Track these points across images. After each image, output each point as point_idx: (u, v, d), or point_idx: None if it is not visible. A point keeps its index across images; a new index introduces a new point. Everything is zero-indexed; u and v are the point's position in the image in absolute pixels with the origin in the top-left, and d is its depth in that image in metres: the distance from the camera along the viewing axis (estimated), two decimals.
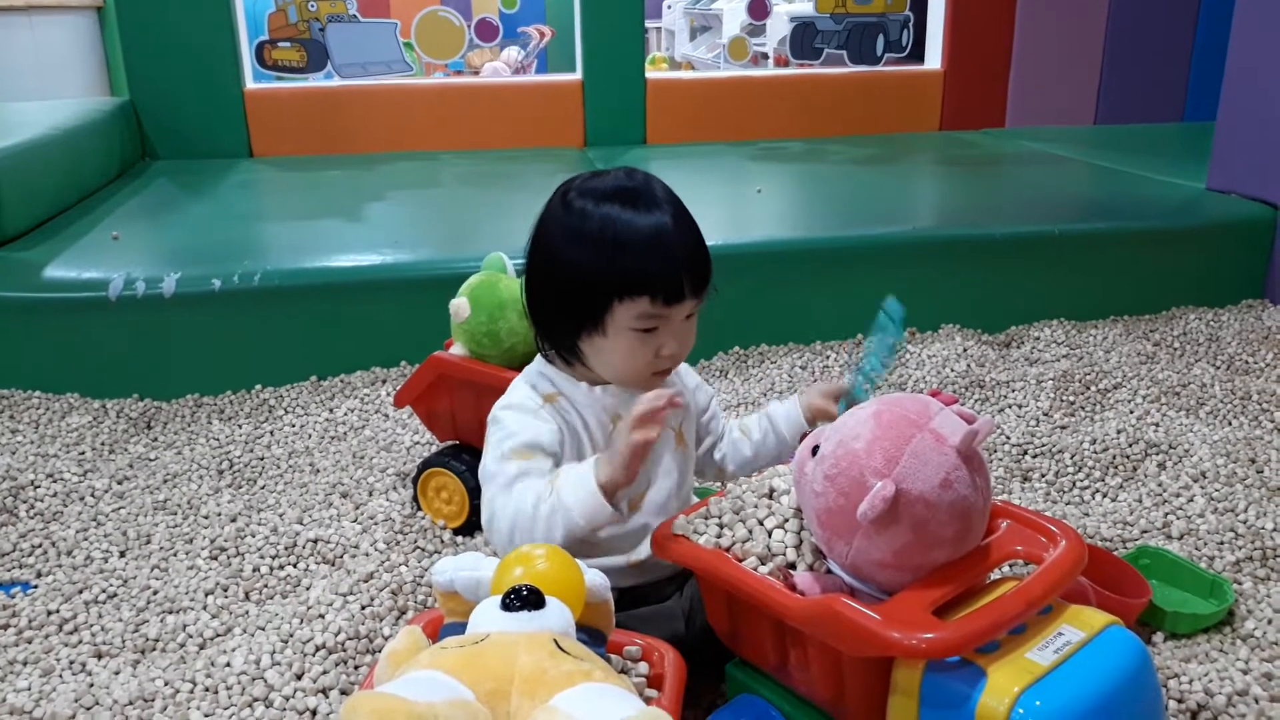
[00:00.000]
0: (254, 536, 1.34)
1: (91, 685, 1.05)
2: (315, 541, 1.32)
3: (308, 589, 1.23)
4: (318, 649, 1.08)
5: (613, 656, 0.82)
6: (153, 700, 1.02)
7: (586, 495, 0.91)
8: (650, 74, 3.36)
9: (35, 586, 1.25)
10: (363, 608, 1.15)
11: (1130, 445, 1.53)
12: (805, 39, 3.63)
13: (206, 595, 1.22)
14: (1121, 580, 1.12)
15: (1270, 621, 1.13)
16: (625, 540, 1.02)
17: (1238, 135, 2.33)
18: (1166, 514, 1.35)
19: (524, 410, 1.01)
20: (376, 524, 1.37)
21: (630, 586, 1.04)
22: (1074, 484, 1.46)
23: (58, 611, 1.18)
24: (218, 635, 1.15)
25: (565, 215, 0.99)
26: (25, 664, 1.10)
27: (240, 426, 1.69)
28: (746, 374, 1.89)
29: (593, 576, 0.79)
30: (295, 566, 1.29)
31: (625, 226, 0.96)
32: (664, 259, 0.95)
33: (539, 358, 1.07)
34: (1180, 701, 1.00)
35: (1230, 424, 1.62)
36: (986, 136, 3.47)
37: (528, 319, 1.05)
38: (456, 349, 1.37)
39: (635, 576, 1.04)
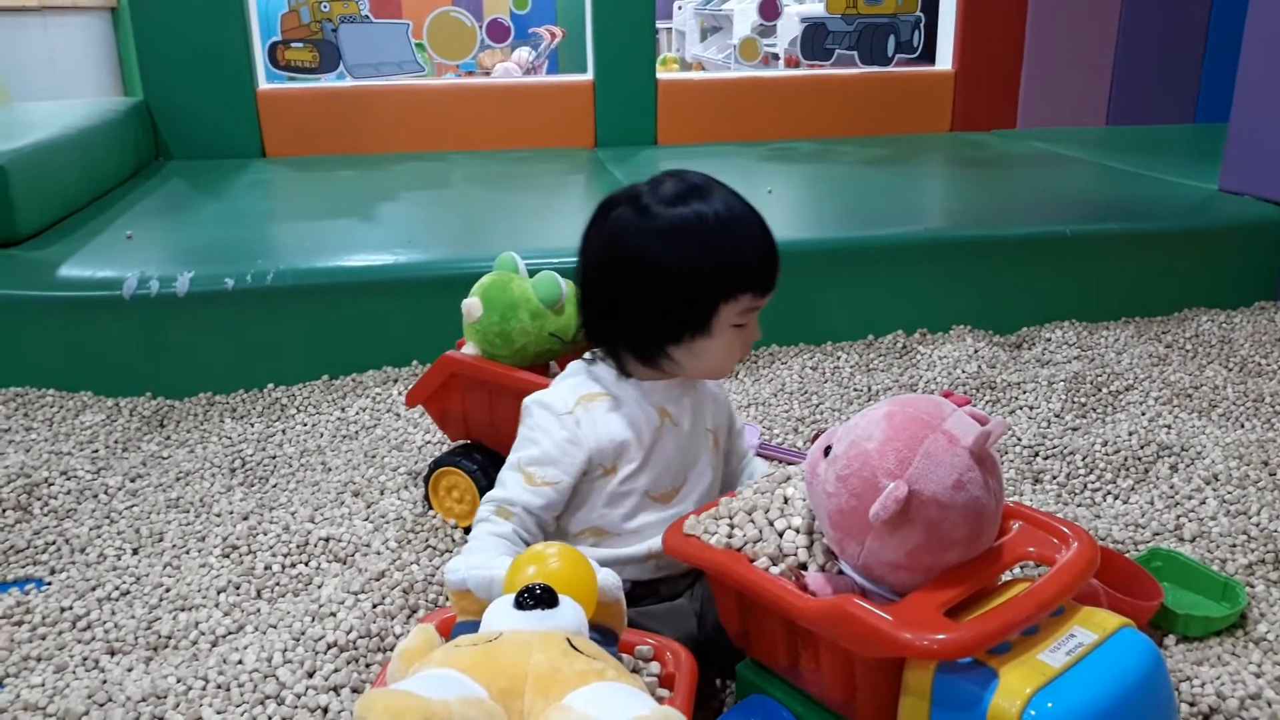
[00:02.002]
0: (266, 535, 1.34)
1: (105, 682, 1.05)
2: (327, 540, 1.33)
3: (319, 587, 1.23)
4: (329, 647, 1.09)
5: (624, 656, 0.82)
6: (165, 697, 1.02)
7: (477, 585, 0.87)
8: (661, 75, 3.36)
9: (49, 583, 1.26)
10: (374, 606, 1.16)
11: (1142, 447, 1.52)
12: (816, 40, 3.63)
13: (219, 593, 1.22)
14: (1133, 582, 1.12)
15: None
16: (657, 529, 1.03)
17: (1250, 136, 2.33)
18: (1178, 516, 1.34)
19: (550, 412, 1.03)
20: (388, 522, 1.37)
21: (646, 581, 1.04)
22: (1085, 486, 1.45)
23: (71, 608, 1.19)
24: (230, 633, 1.15)
25: (650, 223, 0.97)
26: (39, 660, 1.11)
27: (252, 425, 1.70)
28: (757, 374, 1.89)
29: (605, 576, 0.80)
30: (307, 565, 1.29)
31: (718, 223, 0.96)
32: (759, 250, 0.97)
33: (584, 359, 1.08)
34: (1192, 705, 1.00)
35: (1243, 426, 1.62)
36: (997, 137, 3.46)
37: (583, 331, 1.06)
38: (468, 348, 1.37)
39: (653, 571, 1.05)
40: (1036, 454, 1.53)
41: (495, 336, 1.32)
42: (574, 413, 1.02)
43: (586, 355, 1.08)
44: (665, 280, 0.96)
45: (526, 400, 1.06)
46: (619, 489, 1.03)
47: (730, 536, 0.88)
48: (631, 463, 1.02)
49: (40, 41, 3.81)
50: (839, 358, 1.93)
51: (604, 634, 0.78)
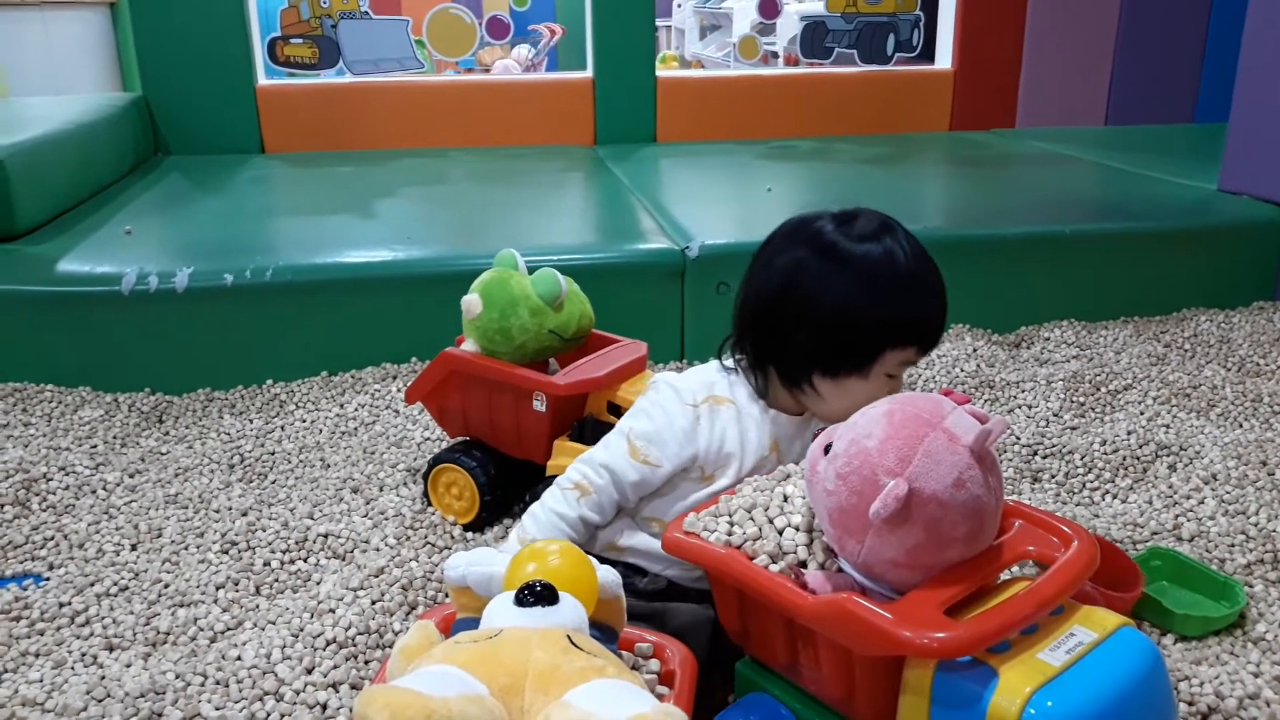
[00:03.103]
0: (265, 531, 1.34)
1: (103, 678, 1.05)
2: (326, 536, 1.33)
3: (318, 584, 1.23)
4: (328, 643, 1.09)
5: (624, 653, 0.82)
6: (164, 693, 1.02)
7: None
8: (660, 72, 3.36)
9: (47, 579, 1.26)
10: (373, 603, 1.16)
11: (1141, 447, 1.52)
12: (816, 38, 3.63)
13: (217, 589, 1.22)
14: (1115, 569, 1.12)
15: None
16: None
17: (1250, 136, 2.33)
18: (1177, 516, 1.34)
19: (678, 398, 1.03)
20: (387, 519, 1.37)
21: (684, 585, 1.05)
22: (1084, 485, 1.46)
23: (69, 604, 1.19)
24: (228, 629, 1.15)
25: (838, 259, 0.96)
26: (37, 656, 1.11)
27: (251, 421, 1.70)
28: None
29: (605, 573, 0.80)
30: (306, 561, 1.29)
31: (907, 272, 0.96)
32: (938, 306, 0.98)
33: (723, 365, 1.07)
34: (1190, 704, 1.00)
35: (1241, 426, 1.62)
36: (996, 137, 3.46)
37: (752, 351, 1.03)
38: (468, 345, 1.37)
39: (694, 580, 1.05)
40: (1035, 453, 1.53)
41: (495, 333, 1.32)
42: (699, 408, 1.02)
43: (726, 363, 1.07)
44: (843, 317, 0.95)
45: (658, 377, 1.07)
46: (705, 500, 1.03)
47: (730, 534, 0.88)
48: (726, 479, 1.02)
49: (39, 36, 3.80)
50: None
51: (604, 631, 0.78)
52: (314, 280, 1.85)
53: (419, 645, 0.74)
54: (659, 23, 3.75)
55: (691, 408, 1.02)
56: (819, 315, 0.96)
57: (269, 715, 0.99)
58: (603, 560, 0.84)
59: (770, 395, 1.03)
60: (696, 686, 0.81)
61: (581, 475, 1.05)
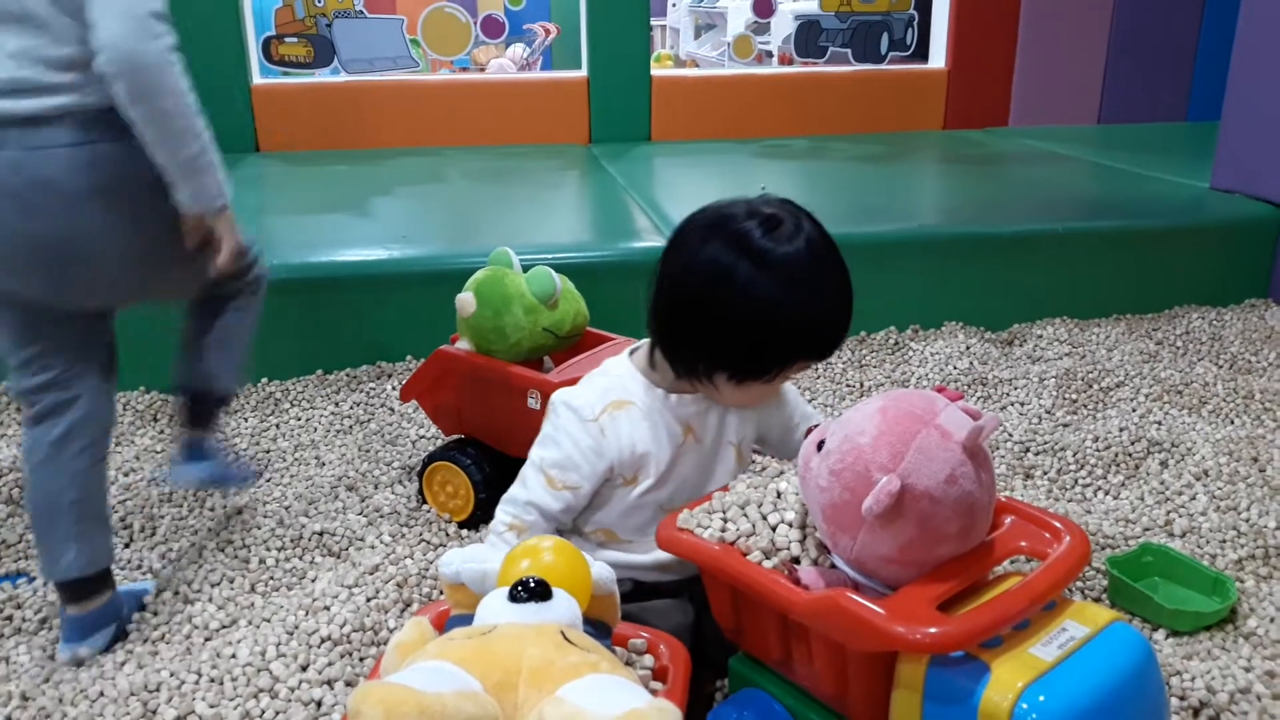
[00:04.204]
0: (260, 529, 1.34)
1: (98, 676, 1.05)
2: (321, 534, 1.33)
3: (313, 581, 1.23)
4: (323, 641, 1.09)
5: (618, 649, 0.82)
6: (158, 690, 1.02)
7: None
8: (655, 71, 3.36)
9: (39, 578, 1.25)
10: (368, 600, 1.16)
11: (1133, 443, 1.53)
12: (810, 37, 3.64)
13: (212, 587, 1.22)
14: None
15: (1272, 620, 1.13)
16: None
17: (1242, 135, 2.33)
18: (1169, 512, 1.35)
19: (577, 417, 1.01)
20: (382, 517, 1.37)
21: (651, 583, 1.05)
22: (1076, 481, 1.46)
23: None
24: (223, 626, 1.15)
25: (768, 277, 0.94)
26: (30, 653, 1.10)
27: (246, 419, 1.69)
28: None
29: (599, 569, 0.80)
30: (301, 559, 1.29)
31: (829, 296, 0.97)
32: (842, 328, 0.99)
33: (623, 357, 1.06)
34: (1182, 699, 1.00)
35: (1233, 423, 1.63)
36: (990, 135, 3.47)
37: (660, 341, 1.01)
38: (462, 344, 1.37)
39: (658, 575, 1.05)
40: (1027, 450, 1.54)
41: (489, 332, 1.32)
42: (599, 420, 1.01)
43: (624, 357, 1.06)
44: (763, 327, 0.95)
45: (554, 398, 1.05)
46: (637, 501, 1.03)
47: (724, 530, 0.89)
48: (649, 478, 1.02)
49: None
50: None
51: (598, 627, 0.79)
52: (309, 279, 1.85)
53: (414, 641, 0.74)
54: (653, 22, 3.75)
55: (593, 423, 1.01)
56: (738, 322, 0.95)
57: (264, 712, 1.00)
58: None
59: (670, 381, 1.02)
60: (690, 682, 0.82)
61: (512, 517, 1.04)
